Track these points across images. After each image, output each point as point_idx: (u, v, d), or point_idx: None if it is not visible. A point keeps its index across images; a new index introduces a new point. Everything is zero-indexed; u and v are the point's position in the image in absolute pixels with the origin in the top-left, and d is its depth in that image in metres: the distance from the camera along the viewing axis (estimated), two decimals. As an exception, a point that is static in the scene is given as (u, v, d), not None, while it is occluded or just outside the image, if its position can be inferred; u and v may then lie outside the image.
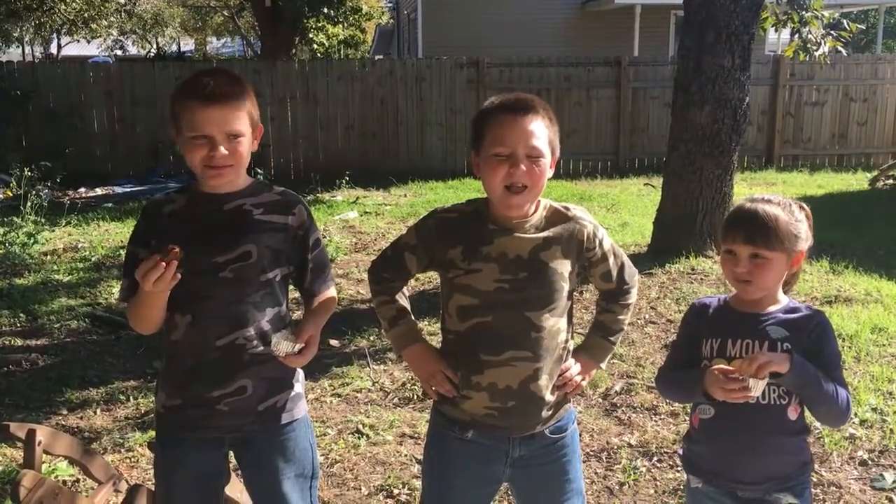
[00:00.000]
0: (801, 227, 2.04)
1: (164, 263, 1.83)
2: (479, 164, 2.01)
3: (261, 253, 2.03)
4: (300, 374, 2.21)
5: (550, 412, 2.09)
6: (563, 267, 2.04)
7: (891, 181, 11.85)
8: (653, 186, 11.07)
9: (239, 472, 2.26)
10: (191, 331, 2.03)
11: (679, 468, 3.53)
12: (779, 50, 17.25)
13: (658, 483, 3.49)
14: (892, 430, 3.87)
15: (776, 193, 2.17)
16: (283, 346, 2.01)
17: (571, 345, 2.16)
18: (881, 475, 3.52)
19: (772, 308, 2.07)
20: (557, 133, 2.02)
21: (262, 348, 2.05)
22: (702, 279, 6.36)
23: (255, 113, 2.04)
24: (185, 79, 2.01)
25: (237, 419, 2.08)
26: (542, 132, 1.96)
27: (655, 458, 3.68)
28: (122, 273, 2.02)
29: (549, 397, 2.07)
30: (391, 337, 2.19)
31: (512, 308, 2.00)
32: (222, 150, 1.94)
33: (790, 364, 1.91)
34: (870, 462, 3.64)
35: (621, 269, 2.18)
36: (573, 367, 2.13)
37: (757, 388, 1.91)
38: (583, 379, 2.16)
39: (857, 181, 12.29)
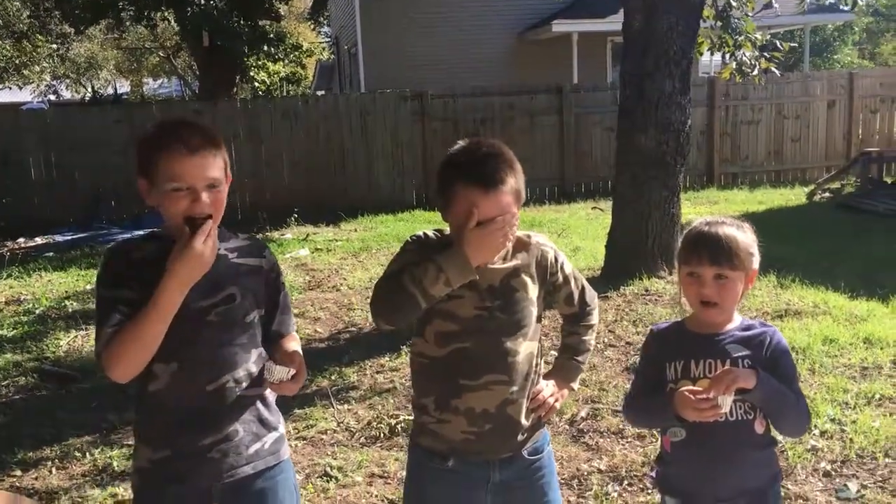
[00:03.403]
0: (755, 247, 2.14)
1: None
2: (447, 217, 2.03)
3: (243, 295, 2.04)
4: (280, 415, 2.18)
5: (525, 435, 2.14)
6: (533, 292, 2.10)
7: (827, 194, 12.25)
8: (600, 210, 11.24)
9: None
10: (177, 379, 1.98)
11: (650, 490, 3.55)
12: (711, 72, 17.78)
13: (631, 507, 3.50)
14: (851, 440, 3.96)
15: (718, 214, 2.25)
16: (276, 371, 1.98)
17: (542, 368, 2.21)
18: (845, 485, 3.59)
19: (728, 327, 2.14)
20: (522, 175, 2.03)
21: (250, 390, 2.04)
22: (656, 300, 6.44)
23: (227, 161, 2.03)
24: (156, 129, 1.98)
25: (228, 465, 2.03)
26: (511, 194, 1.98)
27: (626, 482, 3.69)
28: (99, 321, 1.91)
29: (525, 421, 2.12)
30: (444, 265, 1.93)
31: (489, 334, 2.05)
32: (205, 200, 1.92)
33: (757, 379, 1.98)
34: (833, 473, 3.71)
35: (582, 291, 2.27)
36: (545, 389, 2.18)
37: (726, 404, 1.96)
38: (556, 400, 2.21)
39: (795, 196, 12.66)
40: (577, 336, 2.31)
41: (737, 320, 2.16)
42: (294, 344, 2.17)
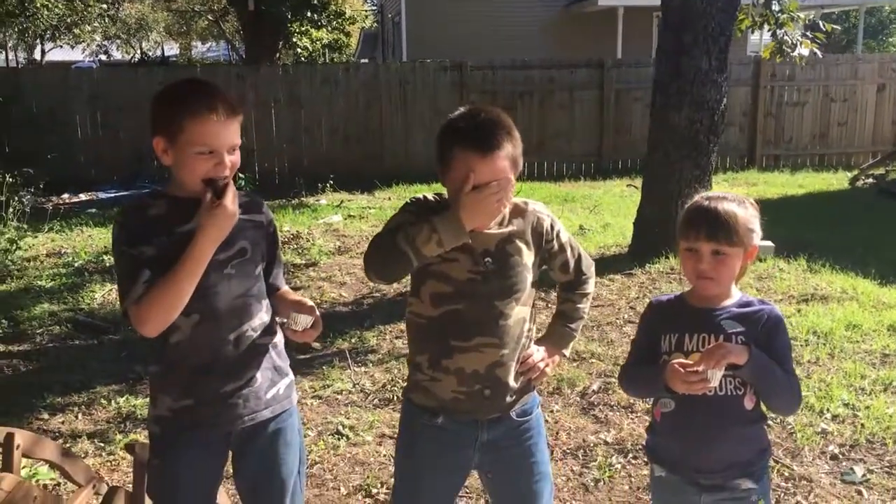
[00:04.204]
0: (756, 223, 2.13)
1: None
2: (445, 181, 2.07)
3: (253, 249, 2.14)
4: (288, 361, 2.29)
5: (514, 397, 2.19)
6: (527, 258, 2.14)
7: (870, 180, 11.99)
8: (635, 187, 11.12)
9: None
10: (199, 330, 2.06)
11: (654, 464, 3.59)
12: (760, 51, 17.39)
13: (633, 479, 3.54)
14: (863, 425, 3.95)
15: (755, 196, 2.23)
16: (301, 319, 2.10)
17: (534, 333, 2.25)
18: (851, 469, 3.60)
19: (726, 303, 2.14)
20: (520, 144, 2.07)
21: (264, 338, 2.16)
22: (681, 279, 6.42)
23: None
24: (180, 92, 2.03)
25: (249, 410, 2.14)
26: (508, 160, 2.02)
27: (630, 455, 3.74)
28: (126, 277, 1.98)
29: (514, 383, 2.17)
30: (438, 226, 1.97)
31: (482, 297, 2.09)
32: (227, 163, 2.01)
33: (748, 356, 1.99)
34: (840, 456, 3.71)
35: (578, 260, 2.30)
36: (536, 353, 2.22)
37: (715, 378, 1.98)
38: (546, 365, 2.25)
39: (837, 181, 12.42)
40: (572, 303, 2.35)
41: (736, 296, 2.16)
42: (294, 295, 2.26)
